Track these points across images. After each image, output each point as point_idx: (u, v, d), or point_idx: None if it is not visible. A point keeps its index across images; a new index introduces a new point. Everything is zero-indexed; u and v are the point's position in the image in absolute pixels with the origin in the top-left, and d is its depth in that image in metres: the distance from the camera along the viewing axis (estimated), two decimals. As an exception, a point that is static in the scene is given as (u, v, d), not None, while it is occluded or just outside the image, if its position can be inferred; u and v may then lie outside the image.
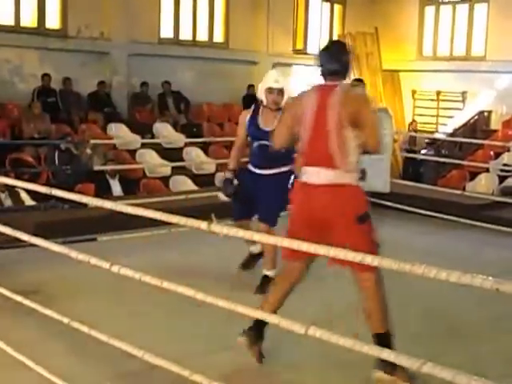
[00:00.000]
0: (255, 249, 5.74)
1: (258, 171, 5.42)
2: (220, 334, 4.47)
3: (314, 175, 3.80)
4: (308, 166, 3.84)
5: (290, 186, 5.16)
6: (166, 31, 15.12)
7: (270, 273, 5.37)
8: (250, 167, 5.52)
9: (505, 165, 13.77)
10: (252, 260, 5.81)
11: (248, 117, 5.41)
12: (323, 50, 4.09)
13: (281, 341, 4.11)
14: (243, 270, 5.76)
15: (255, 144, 5.38)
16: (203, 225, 3.00)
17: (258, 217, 5.42)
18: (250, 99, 15.84)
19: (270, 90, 5.19)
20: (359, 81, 6.96)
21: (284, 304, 3.98)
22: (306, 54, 17.56)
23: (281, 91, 5.20)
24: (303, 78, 17.27)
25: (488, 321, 4.95)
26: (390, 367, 3.59)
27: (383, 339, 3.69)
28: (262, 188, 5.33)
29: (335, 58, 3.94)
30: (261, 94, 5.27)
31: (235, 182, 5.49)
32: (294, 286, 4.00)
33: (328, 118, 3.76)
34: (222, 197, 5.64)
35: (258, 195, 5.36)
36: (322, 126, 3.78)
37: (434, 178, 13.88)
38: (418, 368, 2.27)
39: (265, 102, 5.25)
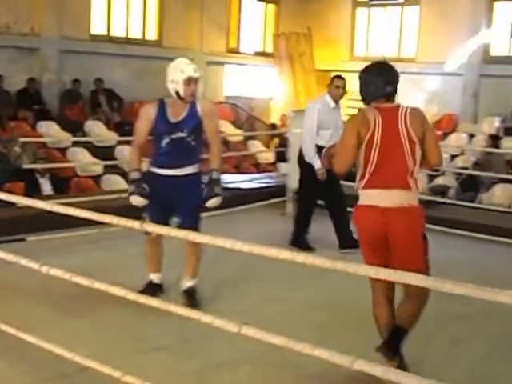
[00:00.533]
0: (156, 278, 5.17)
1: (169, 172, 4.91)
2: (152, 333, 4.43)
3: (386, 197, 3.78)
4: (378, 189, 3.79)
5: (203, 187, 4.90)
6: (98, 28, 14.89)
7: (192, 283, 5.05)
8: (157, 170, 4.96)
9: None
10: (152, 289, 4.98)
11: (154, 112, 4.90)
12: (379, 73, 3.98)
13: (215, 339, 4.10)
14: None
15: (165, 140, 4.86)
16: (136, 224, 2.98)
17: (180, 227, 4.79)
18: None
19: (189, 81, 4.76)
20: (340, 78, 6.96)
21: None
22: (239, 53, 17.59)
23: (197, 80, 4.82)
24: (236, 77, 17.35)
25: (421, 318, 5.04)
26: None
27: (402, 334, 3.90)
28: (178, 193, 4.88)
29: (391, 81, 3.95)
30: (176, 86, 4.78)
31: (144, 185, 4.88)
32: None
33: (401, 139, 3.78)
34: (136, 201, 4.83)
35: (174, 201, 4.92)
36: (394, 147, 3.78)
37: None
38: (350, 365, 2.29)
39: (182, 94, 4.78)
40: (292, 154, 8.52)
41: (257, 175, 11.47)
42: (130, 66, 14.99)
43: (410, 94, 16.50)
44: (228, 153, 13.32)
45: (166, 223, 4.67)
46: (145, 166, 5.07)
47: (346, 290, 5.35)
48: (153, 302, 3.00)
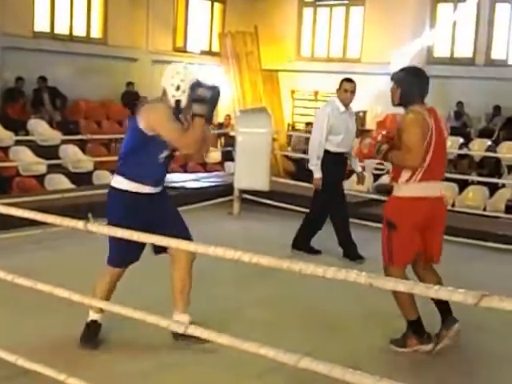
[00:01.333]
0: (99, 317, 4.23)
1: (151, 190, 4.16)
2: (99, 334, 4.37)
3: (435, 189, 4.35)
4: (430, 181, 4.29)
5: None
6: (42, 25, 14.64)
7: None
8: (140, 188, 4.12)
9: (379, 163, 14.25)
10: (95, 331, 4.27)
11: None
12: (423, 76, 4.44)
13: (161, 339, 4.08)
14: (84, 345, 4.21)
15: (163, 154, 4.11)
16: (80, 224, 2.93)
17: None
18: (130, 97, 15.67)
19: None
20: (349, 81, 6.75)
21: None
22: (185, 51, 17.51)
23: None
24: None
25: (362, 315, 5.10)
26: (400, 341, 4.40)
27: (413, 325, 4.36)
28: (160, 209, 4.22)
29: (429, 84, 4.45)
30: (182, 95, 4.07)
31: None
32: None
33: (444, 137, 4.37)
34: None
35: (155, 219, 4.15)
36: (442, 145, 4.33)
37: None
38: (296, 363, 2.30)
39: (182, 106, 4.10)
40: (239, 153, 8.51)
41: (204, 174, 11.44)
42: (74, 63, 14.79)
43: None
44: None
45: (142, 248, 4.18)
46: (121, 184, 4.15)
47: (293, 288, 5.38)
48: (98, 303, 2.96)
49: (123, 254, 4.14)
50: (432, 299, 4.20)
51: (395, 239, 4.31)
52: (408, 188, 4.29)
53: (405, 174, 4.26)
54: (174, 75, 4.11)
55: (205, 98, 4.01)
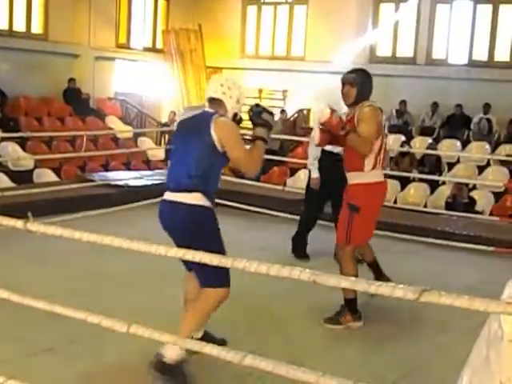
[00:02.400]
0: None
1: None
2: (39, 335, 4.30)
3: (382, 174, 4.93)
4: (381, 168, 4.85)
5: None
6: (-21, 19, 14.34)
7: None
8: (208, 204, 3.94)
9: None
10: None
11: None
12: (370, 76, 4.92)
13: (104, 339, 4.04)
14: None
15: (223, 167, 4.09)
16: (19, 223, 2.87)
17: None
18: (72, 93, 15.43)
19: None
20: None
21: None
22: (129, 48, 17.34)
23: None
24: (126, 73, 17.10)
25: (305, 312, 5.13)
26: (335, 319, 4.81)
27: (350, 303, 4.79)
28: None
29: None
30: (239, 108, 4.05)
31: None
32: None
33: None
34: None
35: None
36: (385, 136, 4.91)
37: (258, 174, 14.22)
38: (240, 361, 2.30)
39: (238, 118, 4.05)
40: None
41: (147, 172, 11.35)
42: (14, 59, 14.52)
43: (298, 92, 16.80)
44: (117, 150, 13.21)
45: None
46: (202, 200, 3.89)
47: (235, 286, 5.38)
48: (37, 303, 2.90)
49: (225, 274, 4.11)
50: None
51: (356, 221, 4.72)
52: (373, 174, 4.77)
53: (369, 162, 4.72)
54: (231, 86, 3.99)
55: (270, 124, 4.10)
